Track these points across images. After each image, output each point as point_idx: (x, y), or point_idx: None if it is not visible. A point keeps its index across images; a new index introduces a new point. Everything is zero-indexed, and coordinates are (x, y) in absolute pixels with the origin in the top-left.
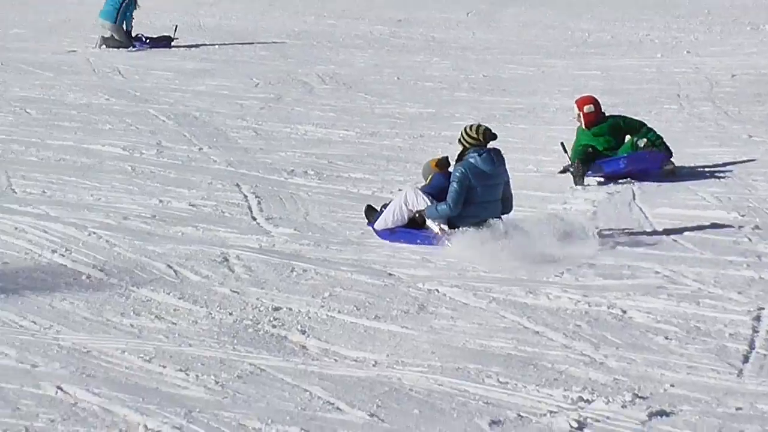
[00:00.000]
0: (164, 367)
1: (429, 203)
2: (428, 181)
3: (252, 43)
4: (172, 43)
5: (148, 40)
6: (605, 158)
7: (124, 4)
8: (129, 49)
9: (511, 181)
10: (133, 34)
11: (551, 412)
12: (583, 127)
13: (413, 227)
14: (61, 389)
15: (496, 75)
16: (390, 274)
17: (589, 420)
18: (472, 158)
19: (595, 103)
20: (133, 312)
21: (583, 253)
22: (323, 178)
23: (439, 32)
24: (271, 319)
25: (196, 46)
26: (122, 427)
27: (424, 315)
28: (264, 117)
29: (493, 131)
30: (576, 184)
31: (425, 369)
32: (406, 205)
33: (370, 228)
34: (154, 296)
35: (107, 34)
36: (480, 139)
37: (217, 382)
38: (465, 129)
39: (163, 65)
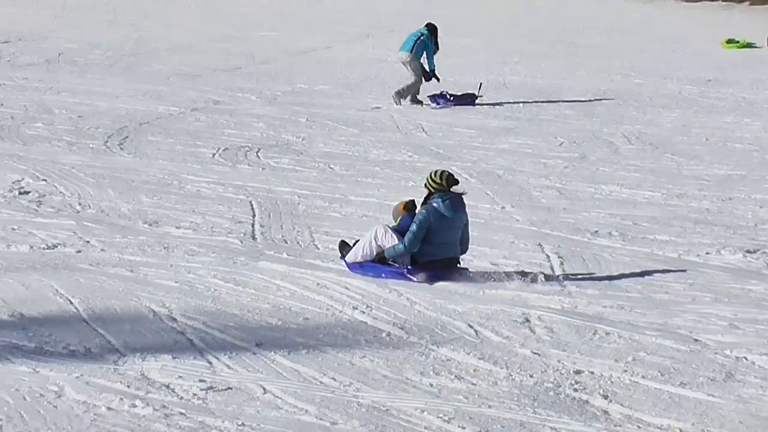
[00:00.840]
0: (463, 428)
1: (396, 241)
2: (397, 222)
3: (557, 102)
4: (476, 101)
5: (452, 98)
6: None
7: (422, 38)
8: (432, 105)
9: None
10: (438, 92)
11: None
12: None
13: (381, 262)
14: None
15: None
16: (696, 340)
17: None
18: (436, 203)
19: None
20: (433, 371)
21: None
22: (628, 239)
23: (750, 93)
24: (573, 382)
25: (500, 103)
26: None
27: (731, 383)
28: (568, 176)
29: (455, 177)
30: None
31: None
32: (375, 240)
33: (342, 261)
34: (454, 356)
35: (406, 74)
36: (443, 184)
37: None
38: (430, 174)
39: (467, 123)
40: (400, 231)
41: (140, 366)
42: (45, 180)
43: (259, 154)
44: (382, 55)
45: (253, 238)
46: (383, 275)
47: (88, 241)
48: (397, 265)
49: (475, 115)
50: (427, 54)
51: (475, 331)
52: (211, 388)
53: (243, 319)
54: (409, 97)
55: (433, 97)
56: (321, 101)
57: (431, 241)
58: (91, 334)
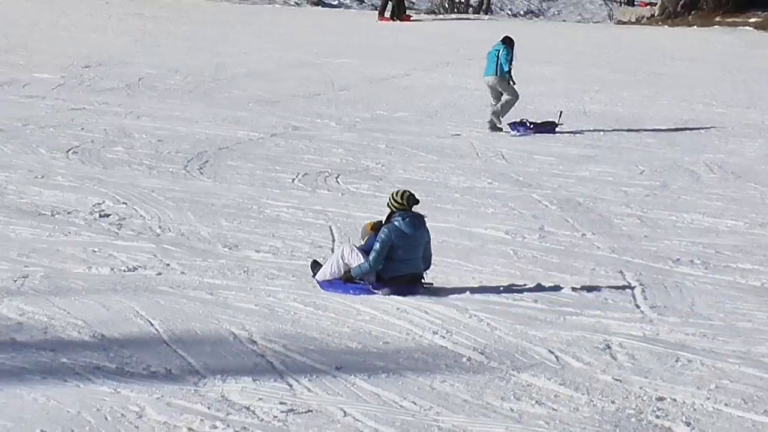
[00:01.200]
0: None
1: (362, 260)
2: (364, 241)
3: (638, 131)
4: (557, 129)
5: (532, 125)
6: None
7: (499, 53)
8: (512, 133)
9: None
10: (518, 119)
11: None
12: None
13: (348, 281)
14: None
15: None
16: None
17: None
18: (397, 221)
19: None
20: (514, 396)
21: None
22: (710, 267)
23: None
24: (655, 409)
25: (581, 132)
26: None
27: None
28: (649, 204)
29: (416, 197)
30: None
31: None
32: (342, 259)
33: (314, 280)
34: (535, 381)
35: (492, 99)
36: (404, 204)
37: None
38: (392, 194)
39: (547, 150)
40: (366, 250)
41: (220, 388)
42: (125, 203)
43: (338, 179)
44: (462, 82)
45: None
46: (351, 292)
47: (168, 264)
48: (362, 282)
49: (555, 142)
50: (504, 60)
51: (556, 357)
52: (291, 410)
53: (323, 343)
54: (489, 125)
55: (513, 125)
56: (400, 128)
57: (394, 258)
58: (172, 356)
